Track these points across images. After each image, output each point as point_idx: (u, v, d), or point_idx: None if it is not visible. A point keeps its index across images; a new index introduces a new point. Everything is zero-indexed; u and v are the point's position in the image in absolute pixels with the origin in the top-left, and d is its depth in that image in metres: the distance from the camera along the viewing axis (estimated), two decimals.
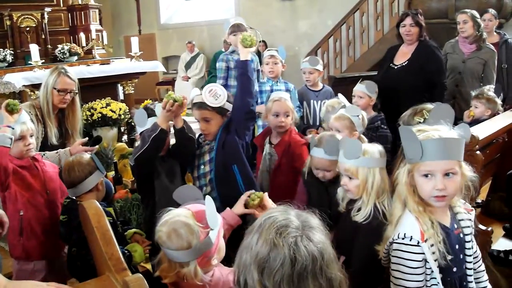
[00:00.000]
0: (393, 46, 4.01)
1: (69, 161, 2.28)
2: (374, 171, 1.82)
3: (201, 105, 2.41)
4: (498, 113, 3.43)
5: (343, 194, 1.94)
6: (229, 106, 2.47)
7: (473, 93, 3.53)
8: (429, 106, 2.05)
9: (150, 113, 2.43)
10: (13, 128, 2.22)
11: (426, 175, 1.50)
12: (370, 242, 1.71)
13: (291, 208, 1.20)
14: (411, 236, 1.50)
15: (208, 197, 1.54)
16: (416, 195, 1.54)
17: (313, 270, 1.06)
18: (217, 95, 2.41)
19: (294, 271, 1.04)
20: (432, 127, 1.55)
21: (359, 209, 1.83)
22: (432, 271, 1.50)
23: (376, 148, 1.87)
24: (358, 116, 2.66)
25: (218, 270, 1.55)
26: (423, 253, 1.49)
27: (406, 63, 3.76)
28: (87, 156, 2.32)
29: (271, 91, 3.67)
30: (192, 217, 1.49)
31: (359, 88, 3.41)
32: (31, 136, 2.37)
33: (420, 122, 1.95)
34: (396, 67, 3.82)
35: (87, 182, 2.21)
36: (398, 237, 1.53)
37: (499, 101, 3.46)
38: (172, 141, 2.48)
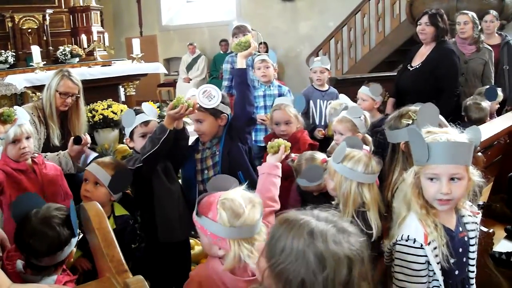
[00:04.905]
0: (416, 45, 3.92)
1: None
2: (351, 182, 1.80)
3: None
4: (495, 116, 3.44)
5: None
6: (223, 108, 2.46)
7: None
8: (413, 107, 2.02)
9: (138, 112, 2.45)
10: (2, 139, 2.18)
11: (431, 179, 1.48)
12: None
13: (314, 211, 1.19)
14: (415, 239, 1.49)
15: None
16: (420, 198, 1.53)
17: (368, 256, 1.10)
18: (211, 96, 2.40)
19: (351, 276, 1.05)
20: (441, 130, 1.54)
21: None
22: (434, 273, 1.49)
23: (363, 163, 1.81)
24: (360, 117, 2.65)
25: None
26: (426, 256, 1.48)
27: (419, 65, 3.71)
28: None
29: (264, 96, 3.67)
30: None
31: (363, 91, 3.38)
32: (28, 138, 2.32)
33: (408, 124, 1.92)
34: (411, 69, 3.78)
35: None
36: (402, 239, 1.52)
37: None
38: None
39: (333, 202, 1.96)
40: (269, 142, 2.12)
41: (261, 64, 3.67)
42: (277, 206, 1.92)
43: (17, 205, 1.77)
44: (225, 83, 4.03)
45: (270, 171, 1.99)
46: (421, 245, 1.47)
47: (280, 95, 3.64)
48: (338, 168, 1.83)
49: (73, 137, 2.78)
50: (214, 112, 2.44)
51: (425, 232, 1.49)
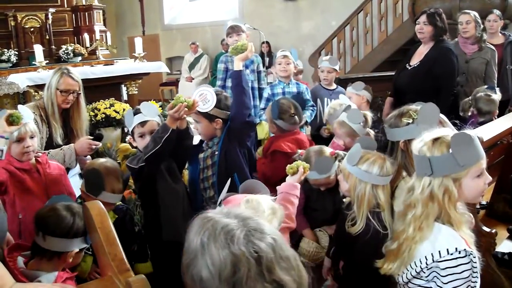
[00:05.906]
0: (416, 44, 3.93)
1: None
2: (365, 184, 1.81)
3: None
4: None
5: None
6: (218, 113, 2.46)
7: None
8: (413, 106, 2.02)
9: (137, 113, 2.46)
10: (7, 138, 2.16)
11: (479, 175, 1.48)
12: (366, 253, 1.73)
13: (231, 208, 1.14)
14: (462, 248, 1.46)
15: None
16: (456, 207, 1.51)
17: (276, 258, 1.01)
18: (206, 100, 2.40)
19: (262, 267, 0.98)
20: (444, 131, 1.54)
21: (353, 220, 1.83)
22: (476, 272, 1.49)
23: (378, 165, 1.82)
24: (359, 123, 2.64)
25: None
26: (471, 261, 1.46)
27: (417, 64, 3.71)
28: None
29: (283, 93, 3.68)
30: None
31: (348, 90, 3.50)
32: (32, 137, 2.31)
33: (409, 123, 1.92)
34: (409, 68, 3.79)
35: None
36: (448, 253, 1.46)
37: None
38: None
39: (344, 200, 1.96)
40: (288, 165, 2.14)
41: (283, 60, 3.72)
42: (293, 224, 1.91)
43: (54, 200, 1.97)
44: (218, 82, 4.09)
45: (288, 190, 2.00)
46: (466, 252, 1.45)
47: (298, 92, 3.69)
48: (353, 170, 1.83)
49: (96, 134, 2.85)
50: (208, 116, 2.45)
51: (463, 237, 1.48)
